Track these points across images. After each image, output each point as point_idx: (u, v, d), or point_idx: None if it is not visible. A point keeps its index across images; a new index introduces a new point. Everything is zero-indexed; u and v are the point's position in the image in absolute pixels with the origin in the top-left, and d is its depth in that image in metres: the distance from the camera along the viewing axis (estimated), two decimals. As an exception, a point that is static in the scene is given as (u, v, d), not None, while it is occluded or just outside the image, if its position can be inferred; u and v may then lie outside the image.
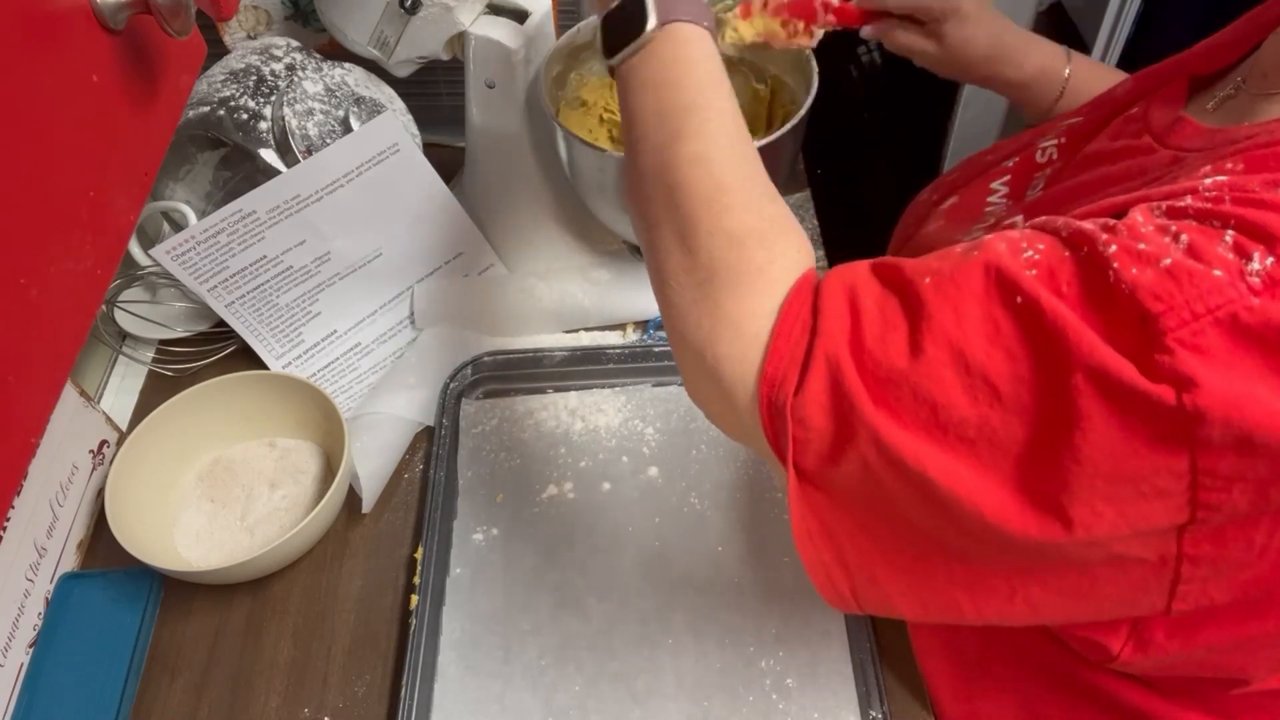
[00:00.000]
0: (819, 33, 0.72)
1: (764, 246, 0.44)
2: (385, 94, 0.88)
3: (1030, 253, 0.37)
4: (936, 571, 0.40)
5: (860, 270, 0.43)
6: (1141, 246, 0.35)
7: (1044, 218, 0.40)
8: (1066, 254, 0.37)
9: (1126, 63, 1.24)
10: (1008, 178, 0.63)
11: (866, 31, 0.72)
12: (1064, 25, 1.32)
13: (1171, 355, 0.33)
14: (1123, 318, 0.34)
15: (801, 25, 0.72)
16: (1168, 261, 0.34)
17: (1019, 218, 0.55)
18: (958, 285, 0.38)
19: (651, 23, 0.50)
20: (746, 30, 0.77)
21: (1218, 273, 0.33)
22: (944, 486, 0.36)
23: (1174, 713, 0.52)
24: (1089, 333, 0.34)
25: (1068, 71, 0.71)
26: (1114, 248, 0.35)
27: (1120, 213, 0.39)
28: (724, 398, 0.43)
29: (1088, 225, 0.37)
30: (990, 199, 0.62)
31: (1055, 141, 0.61)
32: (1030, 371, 0.35)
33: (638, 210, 0.49)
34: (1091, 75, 0.71)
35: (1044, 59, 0.71)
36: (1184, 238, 0.35)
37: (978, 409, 0.36)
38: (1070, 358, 0.34)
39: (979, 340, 0.36)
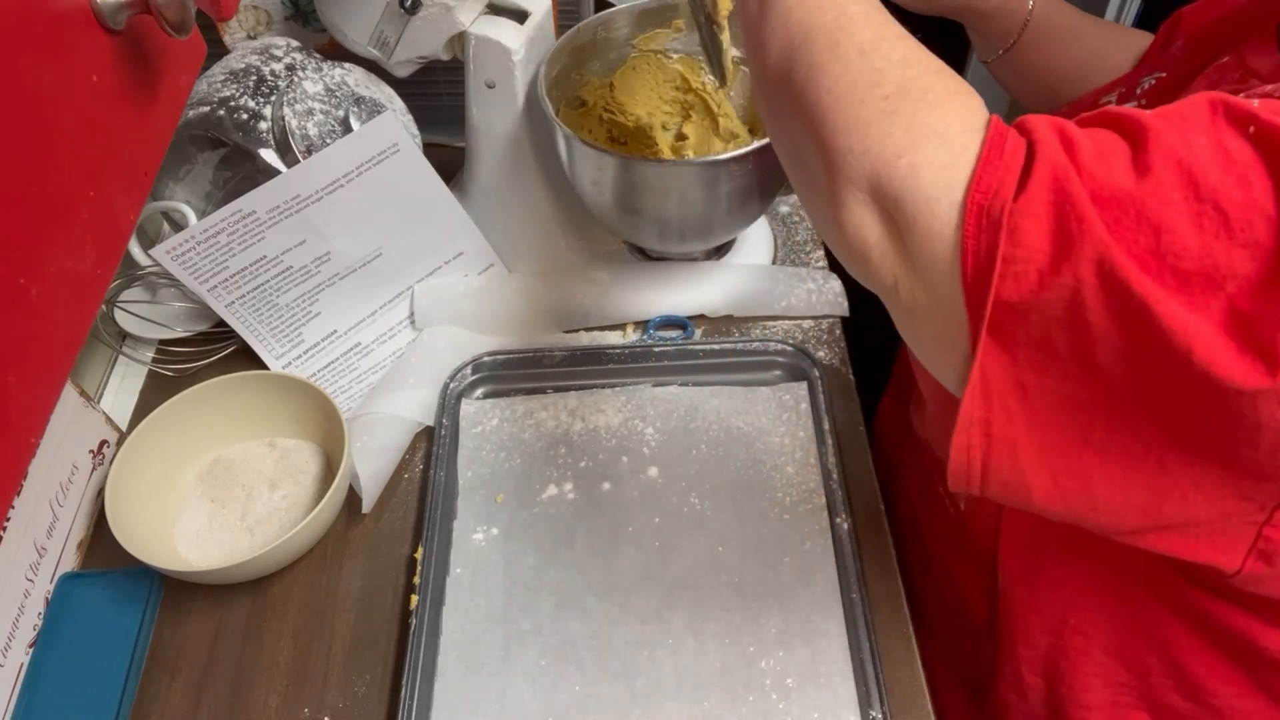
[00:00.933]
0: None
1: (957, 80, 0.41)
2: (385, 94, 0.88)
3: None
4: (1083, 440, 0.38)
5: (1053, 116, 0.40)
6: None
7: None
8: None
9: (1126, 62, 1.24)
10: None
11: None
12: (1064, 25, 1.32)
13: None
14: None
15: None
16: None
17: None
18: (1183, 115, 0.36)
19: None
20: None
21: None
22: (1159, 317, 0.34)
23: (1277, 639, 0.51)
24: None
25: (1032, 2, 0.71)
26: None
27: None
28: (903, 218, 0.39)
29: None
30: None
31: (1136, 104, 0.60)
32: (1268, 199, 0.34)
33: (796, 16, 0.45)
34: (1055, 7, 0.71)
35: None
36: None
37: (1203, 239, 0.34)
38: None
39: (1212, 166, 0.35)
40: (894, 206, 0.39)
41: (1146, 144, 0.36)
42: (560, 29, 0.84)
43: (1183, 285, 0.35)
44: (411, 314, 0.88)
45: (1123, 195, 0.36)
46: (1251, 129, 0.35)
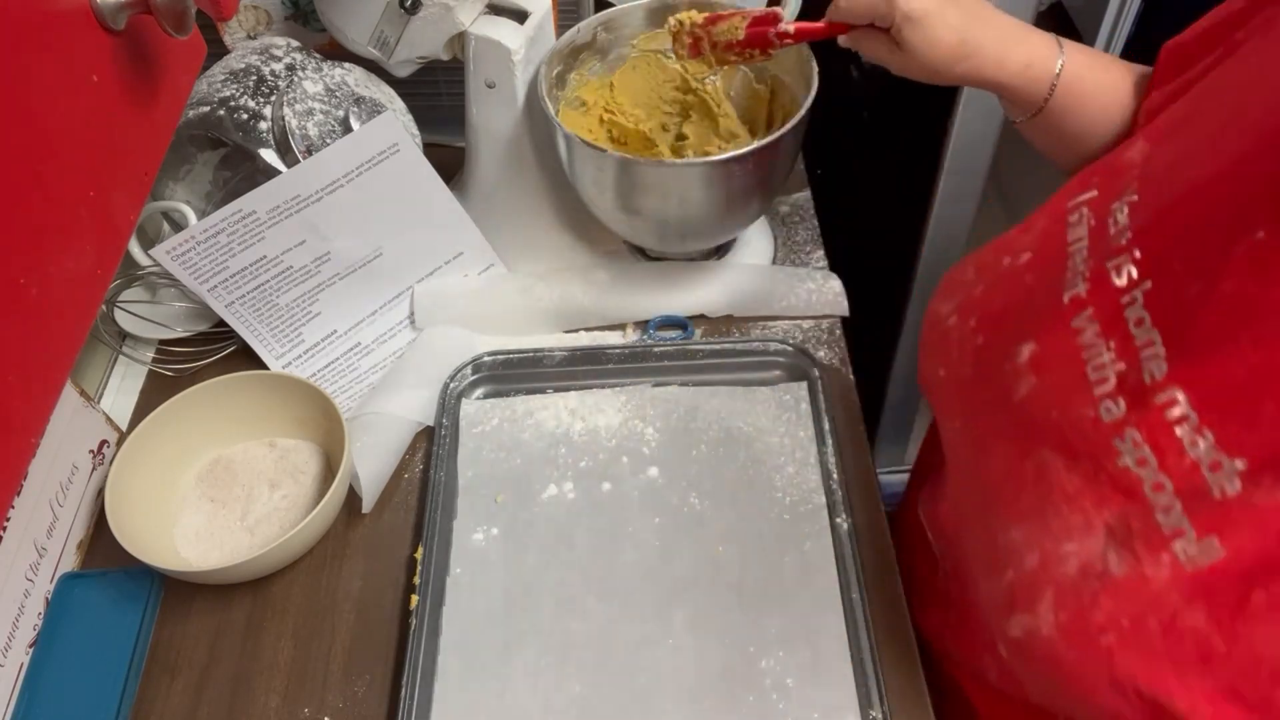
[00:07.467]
0: (778, 51, 0.72)
1: None
2: (385, 94, 0.88)
3: None
4: None
5: None
6: None
7: None
8: None
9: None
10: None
11: (843, 40, 0.68)
12: (1064, 25, 1.32)
13: None
14: None
15: (757, 52, 0.72)
16: None
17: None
18: None
19: None
20: (697, 67, 0.78)
21: None
22: None
23: None
24: None
25: (1059, 65, 0.64)
26: None
27: None
28: None
29: None
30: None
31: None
32: None
33: None
34: (1089, 67, 0.64)
35: (1029, 53, 0.64)
36: None
37: None
38: None
39: None
40: None
41: None
42: (560, 29, 0.84)
43: None
44: (411, 314, 0.88)
45: None
46: None
